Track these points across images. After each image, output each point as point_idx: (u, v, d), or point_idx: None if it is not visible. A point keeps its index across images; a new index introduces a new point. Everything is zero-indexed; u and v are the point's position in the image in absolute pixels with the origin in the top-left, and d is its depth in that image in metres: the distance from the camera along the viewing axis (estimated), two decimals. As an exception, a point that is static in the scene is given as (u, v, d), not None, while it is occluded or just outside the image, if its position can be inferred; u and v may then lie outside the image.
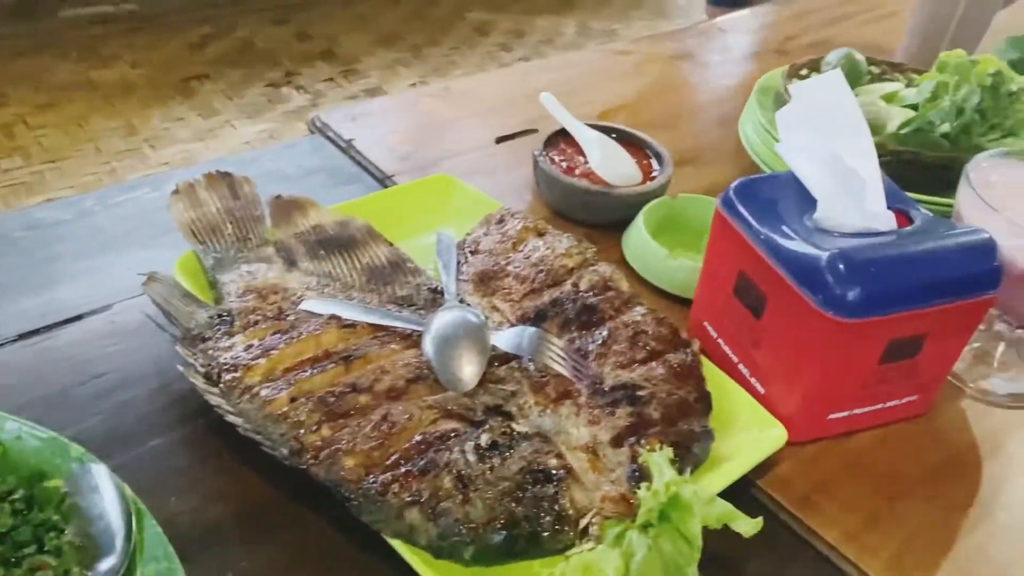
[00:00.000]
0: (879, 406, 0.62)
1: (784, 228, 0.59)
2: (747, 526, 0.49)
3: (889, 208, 0.60)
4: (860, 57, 0.91)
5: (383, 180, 0.85)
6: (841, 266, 0.54)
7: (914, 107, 0.84)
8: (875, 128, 0.83)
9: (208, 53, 2.28)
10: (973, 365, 0.69)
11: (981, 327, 0.70)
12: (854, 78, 0.89)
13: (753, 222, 0.60)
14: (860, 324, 0.55)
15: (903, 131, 0.82)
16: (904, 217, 0.61)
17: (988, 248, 0.57)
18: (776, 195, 0.62)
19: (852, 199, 0.59)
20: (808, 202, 0.61)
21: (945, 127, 0.80)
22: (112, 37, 2.36)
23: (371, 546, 0.50)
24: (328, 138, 0.90)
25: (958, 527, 0.57)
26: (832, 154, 0.59)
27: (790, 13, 1.37)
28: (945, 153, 0.79)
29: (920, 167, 0.79)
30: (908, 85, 0.90)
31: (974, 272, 0.57)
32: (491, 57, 2.21)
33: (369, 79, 1.90)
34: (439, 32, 2.30)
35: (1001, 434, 0.65)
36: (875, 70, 0.93)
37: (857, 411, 0.61)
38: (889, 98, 0.86)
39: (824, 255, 0.55)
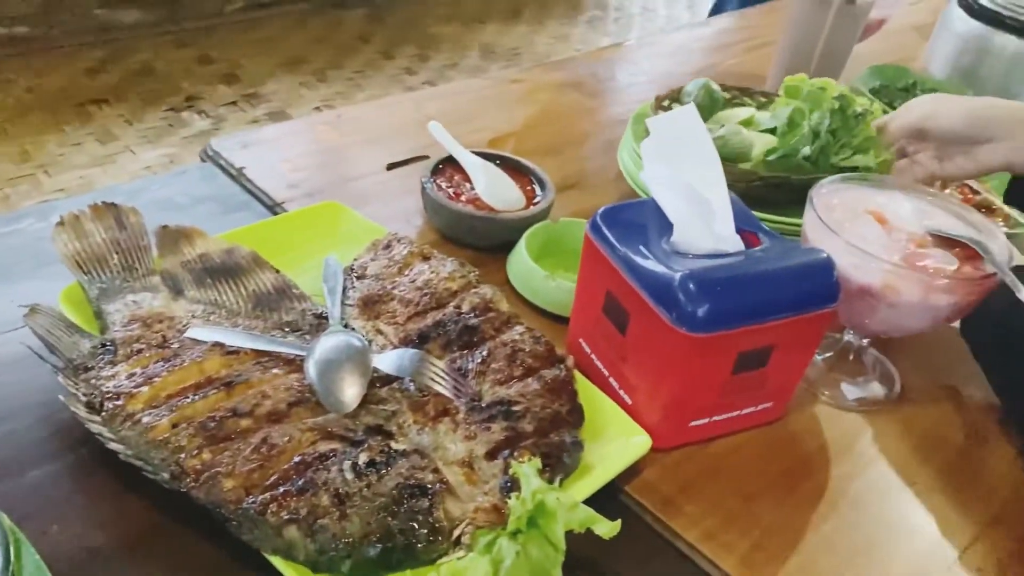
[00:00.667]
0: (736, 413, 0.67)
1: (644, 251, 0.63)
2: (606, 529, 0.53)
3: (739, 231, 0.65)
4: (716, 86, 0.97)
5: (273, 208, 0.86)
6: (691, 285, 0.59)
7: (772, 131, 0.91)
8: (742, 155, 0.89)
9: (106, 77, 2.24)
10: (825, 373, 0.75)
11: (835, 335, 0.76)
12: (711, 107, 0.96)
13: (617, 245, 0.64)
14: (710, 338, 0.60)
15: (770, 158, 0.88)
16: (754, 238, 0.66)
17: (827, 266, 0.63)
18: (639, 220, 0.67)
19: (703, 224, 0.64)
20: (667, 227, 0.65)
21: (806, 151, 0.87)
22: (5, 60, 2.29)
23: (252, 564, 0.52)
24: (219, 166, 0.92)
25: (807, 522, 0.62)
26: (685, 183, 0.64)
27: (672, 45, 1.44)
28: (809, 175, 0.85)
29: (788, 189, 0.85)
30: (759, 108, 0.97)
31: (814, 288, 0.63)
32: (396, 80, 2.23)
33: (272, 103, 1.90)
34: (343, 56, 2.32)
35: (850, 436, 0.70)
36: (727, 95, 0.99)
37: (716, 418, 0.66)
38: (747, 123, 0.93)
39: (677, 276, 0.59)
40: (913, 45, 1.44)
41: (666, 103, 0.94)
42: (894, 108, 1.18)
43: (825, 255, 0.63)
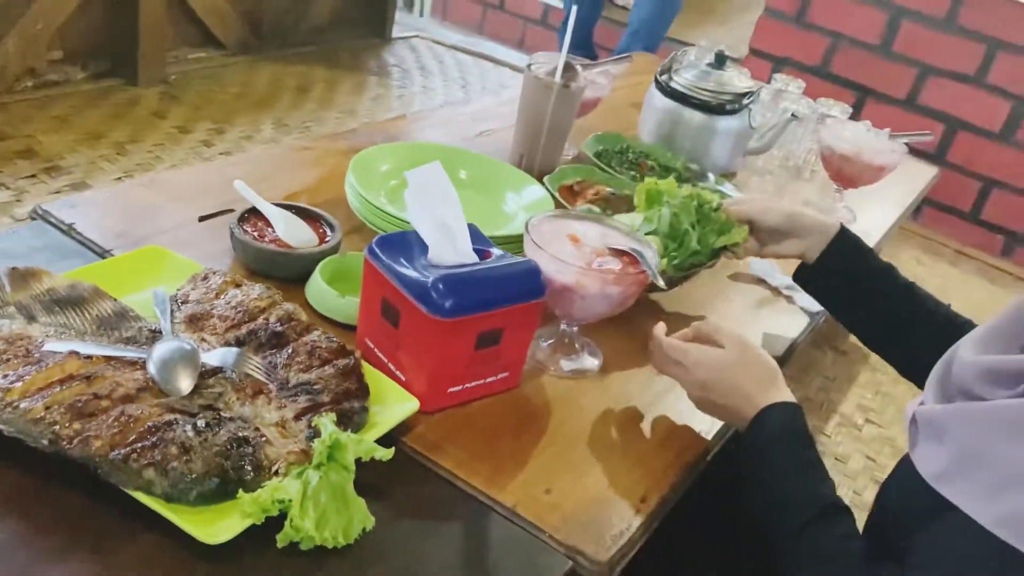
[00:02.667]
0: (482, 381, 0.91)
1: (408, 265, 0.87)
2: (383, 453, 0.75)
3: (476, 250, 0.91)
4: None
5: (102, 254, 1.03)
6: (440, 285, 0.83)
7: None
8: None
9: None
10: (550, 354, 1.02)
11: (555, 327, 1.03)
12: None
13: (389, 263, 0.88)
14: (456, 322, 0.84)
15: (676, 261, 1.09)
16: (488, 254, 0.92)
17: (535, 270, 0.90)
18: (404, 246, 0.91)
19: (449, 244, 0.89)
20: (424, 249, 0.90)
21: (696, 246, 1.12)
22: None
23: (116, 504, 0.69)
24: (50, 223, 1.07)
25: (531, 454, 0.87)
26: (436, 216, 0.89)
27: (442, 118, 1.72)
28: (701, 261, 1.14)
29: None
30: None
31: (527, 285, 0.89)
32: (194, 152, 2.37)
33: (73, 175, 1.98)
34: (141, 131, 2.43)
35: (565, 395, 0.97)
36: None
37: (467, 385, 0.90)
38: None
39: (430, 279, 0.84)
40: (630, 117, 1.80)
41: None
42: (613, 168, 1.52)
43: (533, 263, 0.90)
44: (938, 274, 2.89)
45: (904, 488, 0.81)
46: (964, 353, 0.80)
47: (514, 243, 1.08)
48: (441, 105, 3.25)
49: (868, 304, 1.11)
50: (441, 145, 1.42)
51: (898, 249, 2.85)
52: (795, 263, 1.16)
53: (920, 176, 2.05)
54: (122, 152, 2.23)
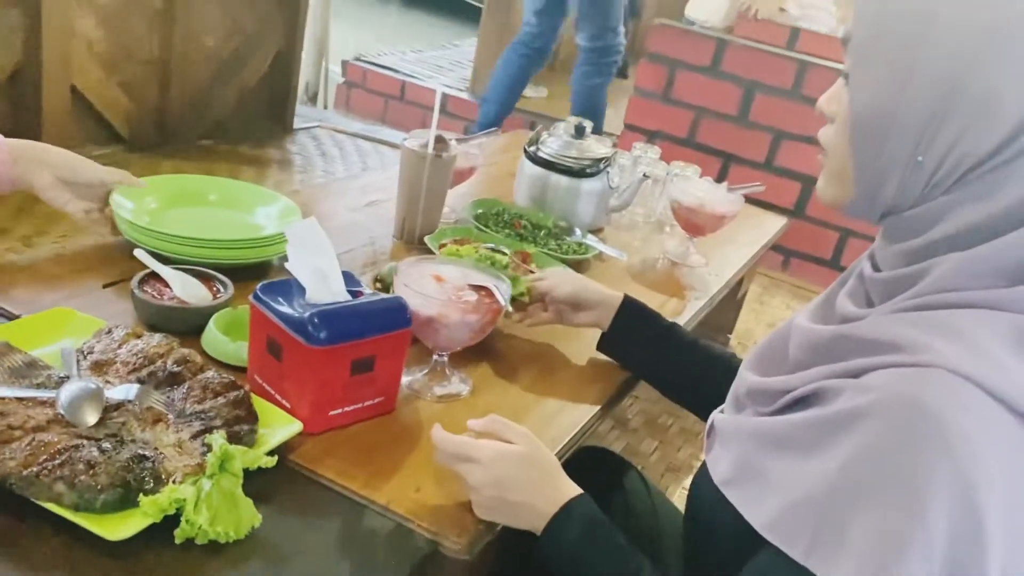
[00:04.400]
0: (359, 405, 1.05)
1: (288, 305, 1.01)
2: (267, 461, 0.88)
3: (350, 291, 1.05)
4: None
5: (11, 318, 1.13)
6: (316, 319, 0.97)
7: None
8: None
9: None
10: (425, 382, 1.16)
11: (429, 358, 1.18)
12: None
13: (271, 304, 1.01)
14: (331, 350, 0.98)
15: None
16: (360, 293, 1.06)
17: (401, 304, 1.04)
18: (285, 290, 1.04)
19: (324, 286, 1.03)
20: (301, 291, 1.04)
21: None
22: None
23: (29, 512, 0.79)
24: (-40, 295, 1.17)
25: (404, 462, 1.00)
26: (313, 264, 1.04)
27: (328, 191, 1.87)
28: None
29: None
30: None
31: (395, 317, 1.04)
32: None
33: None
34: (48, 223, 2.52)
35: (438, 417, 1.10)
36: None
37: (346, 408, 1.03)
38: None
39: (307, 314, 0.98)
40: (507, 184, 2.00)
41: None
42: (490, 228, 1.69)
43: (400, 298, 1.05)
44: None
45: (702, 487, 0.89)
46: (743, 368, 0.95)
47: (264, 245, 1.35)
48: (333, 181, 3.41)
49: (660, 361, 1.26)
50: (194, 176, 1.57)
51: (770, 296, 3.11)
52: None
53: (772, 225, 2.29)
54: (28, 245, 2.30)
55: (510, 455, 0.92)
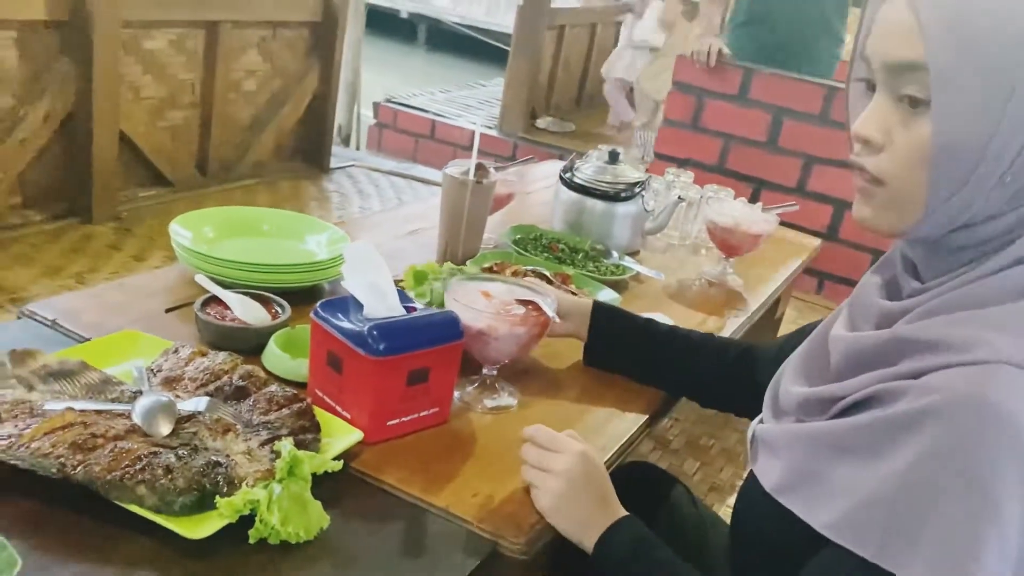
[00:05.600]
0: (415, 415, 1.09)
1: (347, 320, 1.06)
2: (333, 465, 0.92)
3: (403, 306, 1.10)
4: None
5: (82, 341, 1.19)
6: (375, 331, 1.02)
7: None
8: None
9: None
10: (475, 395, 1.20)
11: (478, 373, 1.22)
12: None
13: (331, 320, 1.06)
14: (389, 360, 1.02)
15: None
16: (413, 309, 1.11)
17: (454, 319, 1.09)
18: (343, 307, 1.09)
19: (380, 302, 1.08)
20: (359, 307, 1.09)
21: None
22: None
23: (112, 520, 0.84)
24: (35, 320, 1.23)
25: (460, 469, 1.04)
26: (369, 281, 1.09)
27: (371, 222, 1.93)
28: None
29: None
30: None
31: (447, 330, 1.08)
32: (149, 279, 2.57)
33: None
34: (99, 262, 2.61)
35: (489, 427, 1.14)
36: None
37: (404, 419, 1.08)
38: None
39: (366, 327, 1.02)
40: (544, 210, 2.05)
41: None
42: (528, 252, 1.74)
43: (452, 312, 1.10)
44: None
45: (750, 497, 0.92)
46: (787, 381, 0.93)
47: (317, 270, 1.42)
48: (374, 213, 3.49)
49: (643, 355, 1.28)
50: (247, 207, 1.65)
51: (806, 319, 3.10)
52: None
53: (806, 246, 2.32)
54: (81, 281, 2.39)
55: (594, 459, 1.00)
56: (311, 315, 1.09)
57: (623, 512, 0.98)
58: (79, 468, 0.86)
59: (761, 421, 0.98)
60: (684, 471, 2.26)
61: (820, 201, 3.24)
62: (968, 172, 0.74)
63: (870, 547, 0.72)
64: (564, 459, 0.99)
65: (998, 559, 0.67)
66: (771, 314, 2.17)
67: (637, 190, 1.89)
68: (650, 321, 1.31)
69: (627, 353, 1.31)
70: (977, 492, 0.67)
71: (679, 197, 1.95)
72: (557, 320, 1.14)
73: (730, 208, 1.85)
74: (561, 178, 1.94)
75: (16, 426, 0.91)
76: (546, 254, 1.77)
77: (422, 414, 1.10)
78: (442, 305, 1.27)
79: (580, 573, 1.00)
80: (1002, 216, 0.76)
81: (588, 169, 1.92)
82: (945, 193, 0.76)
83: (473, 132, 4.79)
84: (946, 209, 0.77)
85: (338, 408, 1.08)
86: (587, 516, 0.97)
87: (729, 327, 1.67)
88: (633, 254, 1.93)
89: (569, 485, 0.97)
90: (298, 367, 1.16)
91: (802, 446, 0.83)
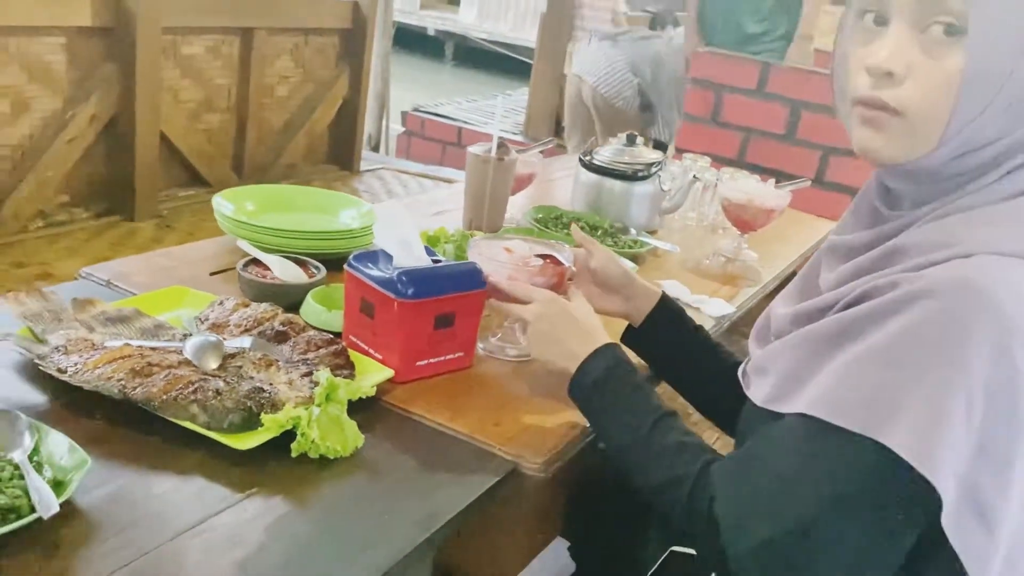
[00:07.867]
0: (442, 358, 1.17)
1: (378, 269, 1.15)
2: (367, 391, 1.01)
3: (431, 259, 1.19)
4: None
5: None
6: (404, 277, 1.11)
7: None
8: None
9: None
10: (499, 344, 1.28)
11: (506, 323, 1.30)
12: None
13: (363, 269, 1.16)
14: (417, 304, 1.11)
15: None
16: (439, 262, 1.20)
17: (476, 269, 1.18)
18: (373, 258, 1.19)
19: (408, 253, 1.17)
20: (389, 259, 1.17)
21: None
22: None
23: (168, 436, 0.93)
24: (91, 280, 1.34)
25: (482, 403, 1.12)
26: (399, 236, 1.18)
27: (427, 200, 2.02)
28: None
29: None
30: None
31: (470, 279, 1.17)
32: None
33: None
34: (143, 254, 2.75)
35: (511, 372, 1.22)
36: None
37: (431, 360, 1.16)
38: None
39: (395, 273, 1.11)
40: (565, 190, 2.13)
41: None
42: (548, 228, 1.82)
43: (475, 263, 1.19)
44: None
45: (746, 420, 0.98)
46: (777, 307, 0.99)
47: (350, 237, 1.50)
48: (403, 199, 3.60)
49: (686, 363, 1.22)
50: (285, 185, 1.76)
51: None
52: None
53: (821, 228, 2.38)
54: (125, 271, 2.54)
55: (560, 301, 1.11)
56: (344, 266, 1.18)
57: (606, 340, 1.06)
58: (138, 389, 0.96)
59: (748, 361, 1.02)
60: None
61: (839, 191, 3.28)
62: (990, 98, 0.77)
63: (856, 420, 0.76)
64: (533, 308, 1.11)
65: (965, 404, 0.73)
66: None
67: (654, 170, 1.96)
68: (700, 329, 1.25)
69: (671, 355, 1.24)
70: (952, 353, 0.73)
71: (694, 176, 2.02)
72: (574, 269, 1.22)
73: (744, 184, 1.92)
74: (581, 160, 2.03)
75: (81, 355, 1.01)
76: (565, 231, 1.85)
77: (448, 357, 1.18)
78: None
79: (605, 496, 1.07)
80: (997, 142, 0.80)
81: (606, 152, 2.00)
82: (967, 120, 0.78)
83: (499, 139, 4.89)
84: (960, 137, 0.79)
85: (371, 351, 1.16)
86: (572, 350, 1.06)
87: (741, 296, 1.73)
88: (651, 233, 2.00)
89: (550, 326, 1.09)
90: (334, 318, 1.25)
91: (792, 351, 0.87)
